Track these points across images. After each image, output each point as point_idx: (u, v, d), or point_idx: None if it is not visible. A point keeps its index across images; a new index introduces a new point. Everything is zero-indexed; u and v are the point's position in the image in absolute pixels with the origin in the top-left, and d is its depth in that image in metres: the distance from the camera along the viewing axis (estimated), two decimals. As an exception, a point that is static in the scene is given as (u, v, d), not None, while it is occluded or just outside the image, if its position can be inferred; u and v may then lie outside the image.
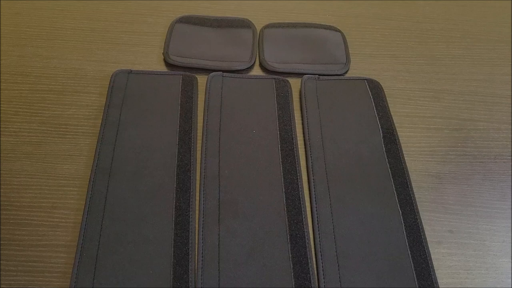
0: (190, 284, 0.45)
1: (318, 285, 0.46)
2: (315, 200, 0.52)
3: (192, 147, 0.56)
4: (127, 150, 0.55)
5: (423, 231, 0.50)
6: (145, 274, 0.45)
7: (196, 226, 0.50)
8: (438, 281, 0.47)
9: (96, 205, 0.50)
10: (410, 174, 0.55)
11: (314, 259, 0.48)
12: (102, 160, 0.54)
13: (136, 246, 0.47)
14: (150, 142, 0.56)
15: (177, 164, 0.54)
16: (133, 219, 0.49)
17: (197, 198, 0.52)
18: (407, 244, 0.49)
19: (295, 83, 0.66)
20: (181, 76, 0.64)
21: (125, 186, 0.52)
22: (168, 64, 0.67)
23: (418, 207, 0.52)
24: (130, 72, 0.64)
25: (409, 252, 0.49)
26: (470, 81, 0.69)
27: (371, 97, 0.64)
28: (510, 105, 0.66)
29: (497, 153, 0.60)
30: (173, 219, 0.50)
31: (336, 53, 0.71)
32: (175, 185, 0.52)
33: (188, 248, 0.47)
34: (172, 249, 0.47)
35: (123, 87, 0.62)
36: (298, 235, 0.49)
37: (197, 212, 0.51)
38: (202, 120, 0.59)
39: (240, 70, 0.67)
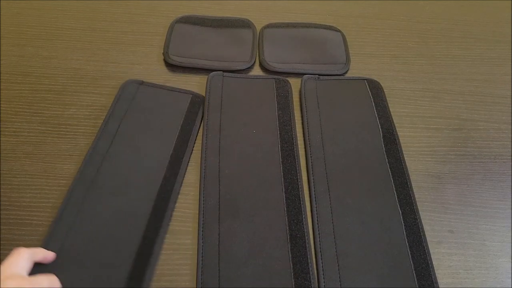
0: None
1: (318, 285, 0.46)
2: (315, 200, 0.52)
3: (180, 173, 0.54)
4: (115, 164, 0.53)
5: (423, 231, 0.50)
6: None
7: (196, 226, 0.50)
8: (438, 281, 0.47)
9: (70, 216, 0.48)
10: (410, 174, 0.55)
11: (314, 259, 0.48)
12: (85, 171, 0.52)
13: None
14: (138, 161, 0.54)
15: (158, 189, 0.52)
16: (100, 239, 0.47)
17: (197, 198, 0.52)
18: (407, 244, 0.49)
19: (295, 83, 0.66)
20: (191, 96, 0.62)
21: (102, 202, 0.50)
22: (168, 64, 0.67)
23: (418, 207, 0.52)
24: (141, 83, 0.62)
25: (409, 252, 0.48)
26: (470, 81, 0.69)
27: (371, 97, 0.64)
28: (510, 105, 0.66)
29: (497, 153, 0.60)
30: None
31: (336, 53, 0.71)
32: (151, 210, 0.50)
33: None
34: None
35: (130, 99, 0.60)
36: (298, 235, 0.49)
37: (197, 212, 0.51)
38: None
39: (240, 70, 0.67)
